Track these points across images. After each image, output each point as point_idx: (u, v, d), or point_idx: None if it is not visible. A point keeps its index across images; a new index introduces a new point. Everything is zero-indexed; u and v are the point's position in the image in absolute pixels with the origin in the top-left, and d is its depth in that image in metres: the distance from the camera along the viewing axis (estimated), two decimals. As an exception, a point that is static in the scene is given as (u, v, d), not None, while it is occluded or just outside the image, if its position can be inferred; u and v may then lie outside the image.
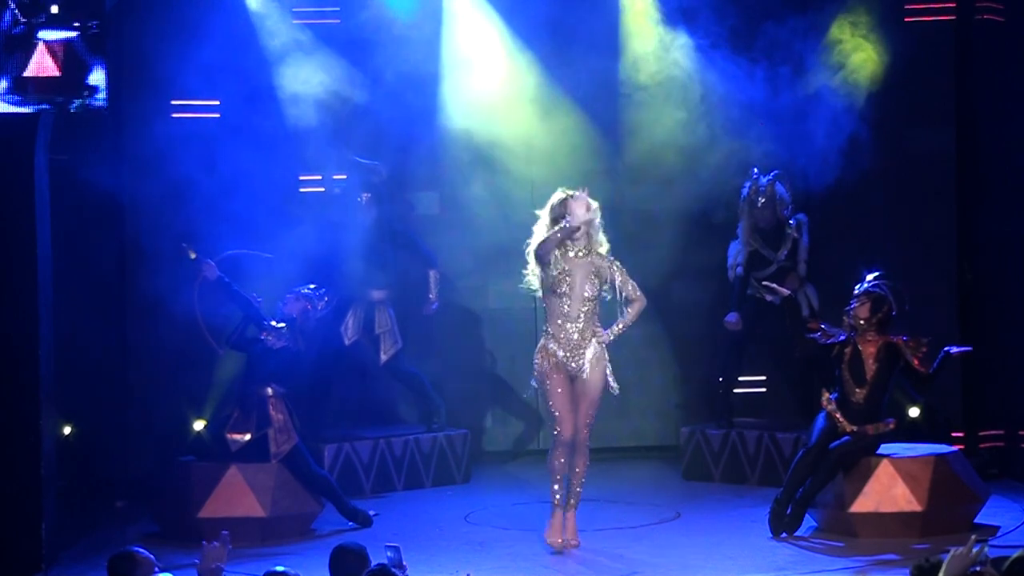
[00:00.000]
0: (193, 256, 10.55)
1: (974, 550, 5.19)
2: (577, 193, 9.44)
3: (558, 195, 9.60)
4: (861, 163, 11.74)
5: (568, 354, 9.56)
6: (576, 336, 9.56)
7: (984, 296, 12.27)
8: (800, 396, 11.83)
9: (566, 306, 9.54)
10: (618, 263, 9.60)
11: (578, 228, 9.36)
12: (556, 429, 9.65)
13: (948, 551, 5.19)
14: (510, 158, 12.73)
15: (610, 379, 9.62)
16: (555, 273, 9.50)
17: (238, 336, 10.58)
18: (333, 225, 11.97)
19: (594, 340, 9.56)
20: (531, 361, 13.06)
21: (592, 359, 9.57)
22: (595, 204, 9.47)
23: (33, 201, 9.44)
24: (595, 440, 12.93)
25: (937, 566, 5.16)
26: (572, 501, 9.69)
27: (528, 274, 9.68)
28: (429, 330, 12.88)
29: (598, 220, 9.55)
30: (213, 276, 10.51)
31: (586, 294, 9.53)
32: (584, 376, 9.57)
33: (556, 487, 9.66)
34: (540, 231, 9.55)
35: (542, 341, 9.70)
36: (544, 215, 9.59)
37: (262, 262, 11.06)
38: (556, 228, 9.37)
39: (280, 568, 6.08)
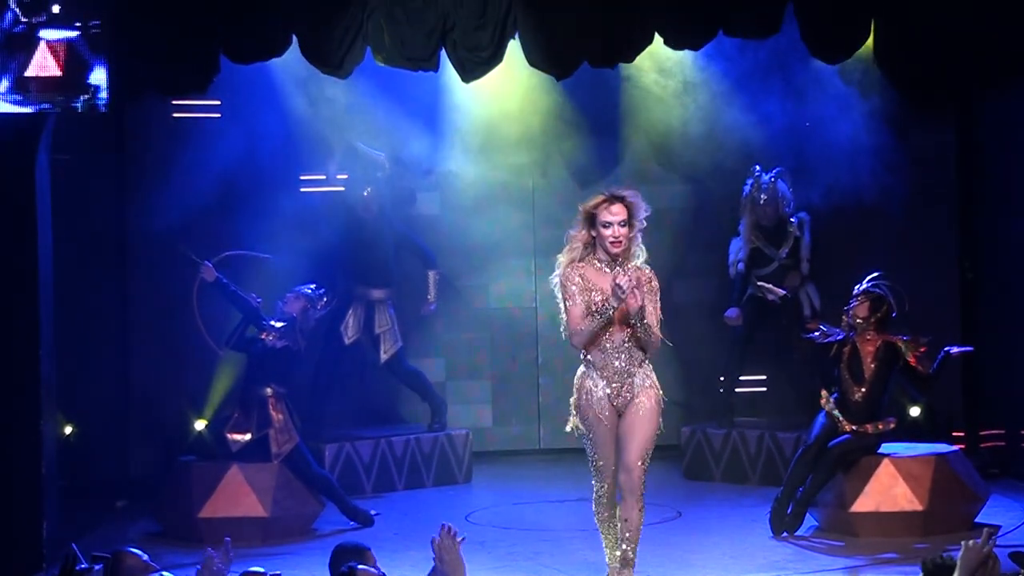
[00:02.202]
0: (182, 249, 10.59)
1: (989, 542, 5.24)
2: (614, 202, 8.02)
3: (598, 198, 8.09)
4: (862, 162, 11.74)
5: (614, 387, 8.11)
6: (621, 364, 8.09)
7: (985, 295, 12.27)
8: (801, 395, 11.82)
9: (608, 333, 8.06)
10: (656, 284, 8.13)
11: (621, 301, 7.86)
12: (596, 479, 8.21)
13: (961, 545, 5.24)
14: (511, 157, 12.73)
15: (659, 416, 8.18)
16: (594, 296, 8.03)
17: (237, 337, 10.58)
18: (334, 224, 11.99)
19: (645, 365, 8.14)
20: (532, 360, 13.23)
21: (642, 387, 8.13)
22: (643, 214, 8.06)
23: (35, 201, 9.45)
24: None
25: (946, 565, 5.18)
26: (625, 546, 8.24)
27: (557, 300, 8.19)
28: (430, 330, 12.89)
29: (642, 226, 8.11)
30: (211, 277, 10.53)
31: (628, 317, 7.98)
32: (636, 408, 8.11)
33: (609, 538, 8.33)
34: (571, 243, 8.12)
35: (581, 372, 8.21)
36: (579, 221, 8.13)
37: (262, 262, 11.07)
38: (597, 313, 7.94)
39: (257, 568, 6.05)
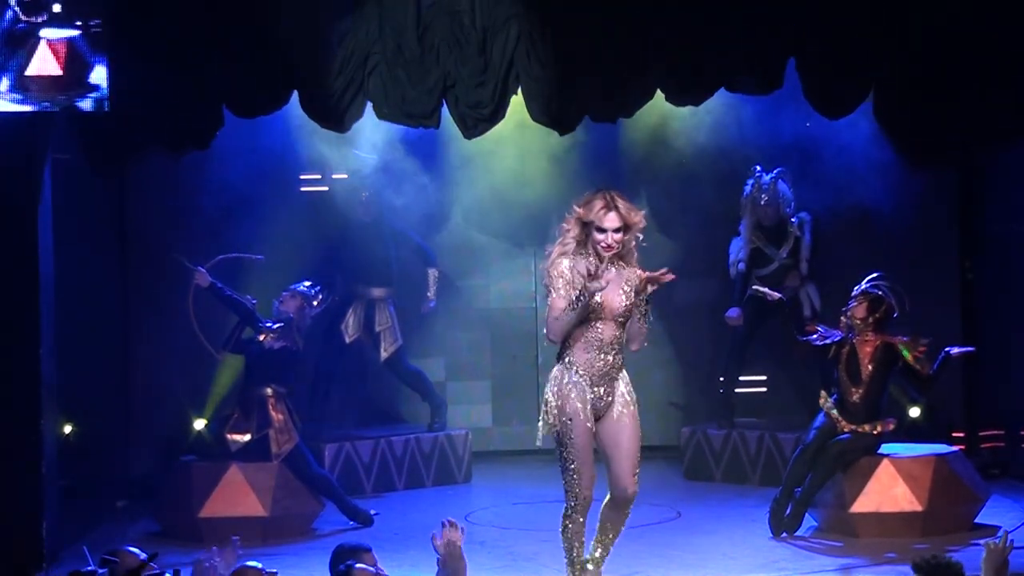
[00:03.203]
0: (175, 257, 10.62)
1: (1008, 542, 5.35)
2: (610, 211, 7.75)
3: (596, 203, 7.81)
4: (863, 163, 11.74)
5: (597, 389, 7.82)
6: (607, 365, 7.83)
7: (985, 296, 12.27)
8: (801, 396, 11.83)
9: (596, 330, 7.77)
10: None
11: (602, 288, 7.67)
12: (575, 489, 7.81)
13: (984, 547, 5.33)
14: (511, 157, 12.72)
15: None
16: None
17: (235, 340, 10.62)
18: (334, 223, 12.00)
19: (624, 368, 7.92)
20: (532, 360, 13.23)
21: (627, 392, 7.92)
22: (639, 217, 7.83)
23: (37, 200, 9.46)
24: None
25: (940, 564, 5.22)
26: (599, 553, 8.04)
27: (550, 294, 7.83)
28: (430, 329, 12.90)
29: (637, 232, 7.85)
30: (205, 283, 10.55)
31: (619, 314, 7.79)
32: (618, 412, 7.90)
33: (576, 555, 7.92)
34: (563, 237, 7.87)
35: (558, 375, 7.87)
36: (573, 218, 7.86)
37: (256, 263, 11.09)
38: (573, 301, 7.67)
39: (253, 563, 6.05)
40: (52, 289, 9.69)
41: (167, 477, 10.77)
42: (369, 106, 9.49)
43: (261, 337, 10.52)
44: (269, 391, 10.47)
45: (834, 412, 10.07)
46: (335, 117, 9.43)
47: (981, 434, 12.13)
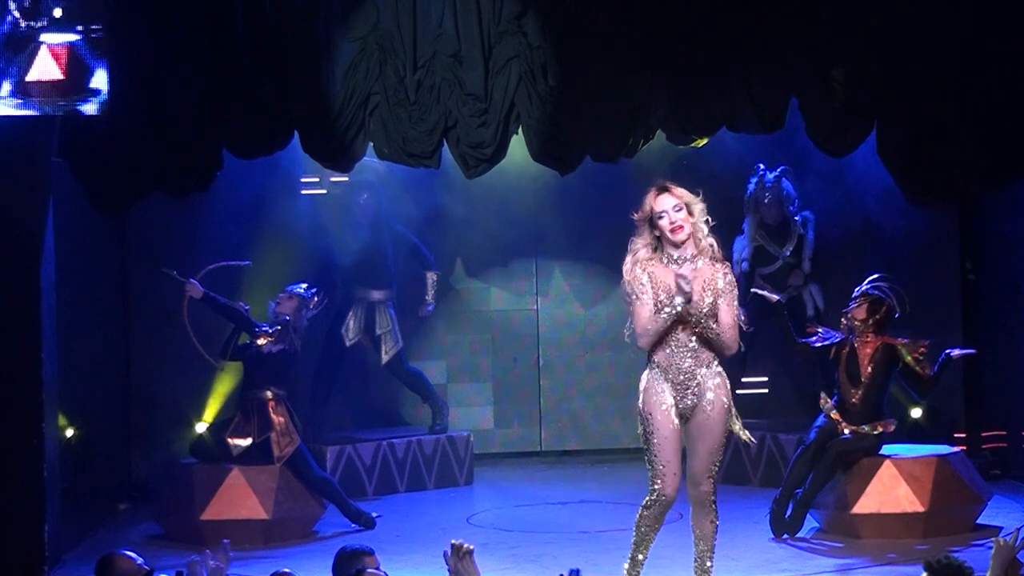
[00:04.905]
0: (165, 272, 10.63)
1: (1020, 540, 5.38)
2: (661, 192, 7.87)
3: (648, 196, 7.90)
4: (864, 163, 11.74)
5: (680, 389, 7.74)
6: (687, 364, 7.76)
7: (987, 296, 12.27)
8: (803, 397, 11.82)
9: (676, 333, 7.72)
10: (732, 279, 7.84)
11: (688, 301, 7.66)
12: (656, 484, 7.73)
13: (992, 543, 5.37)
14: (512, 158, 12.70)
15: (737, 423, 7.90)
16: (660, 294, 7.72)
17: (232, 347, 10.63)
18: (332, 226, 12.00)
19: (715, 367, 7.83)
20: (533, 363, 13.22)
21: (710, 390, 7.79)
22: (699, 204, 7.86)
23: (38, 204, 9.46)
24: (597, 441, 13.04)
25: (952, 565, 5.24)
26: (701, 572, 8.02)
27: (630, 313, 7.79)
28: (431, 332, 12.90)
29: (703, 216, 7.85)
30: (198, 295, 10.57)
31: (701, 310, 7.73)
32: (704, 412, 7.78)
33: (641, 556, 7.89)
34: (633, 247, 7.84)
35: (646, 374, 7.82)
36: (639, 226, 7.86)
37: (247, 268, 11.12)
38: (664, 311, 7.68)
39: (287, 570, 6.07)
40: (53, 292, 9.68)
41: (169, 480, 10.78)
42: (370, 145, 9.49)
43: (260, 341, 10.52)
44: (269, 394, 10.48)
45: (834, 413, 10.07)
46: (336, 158, 9.43)
47: (983, 435, 12.13)
